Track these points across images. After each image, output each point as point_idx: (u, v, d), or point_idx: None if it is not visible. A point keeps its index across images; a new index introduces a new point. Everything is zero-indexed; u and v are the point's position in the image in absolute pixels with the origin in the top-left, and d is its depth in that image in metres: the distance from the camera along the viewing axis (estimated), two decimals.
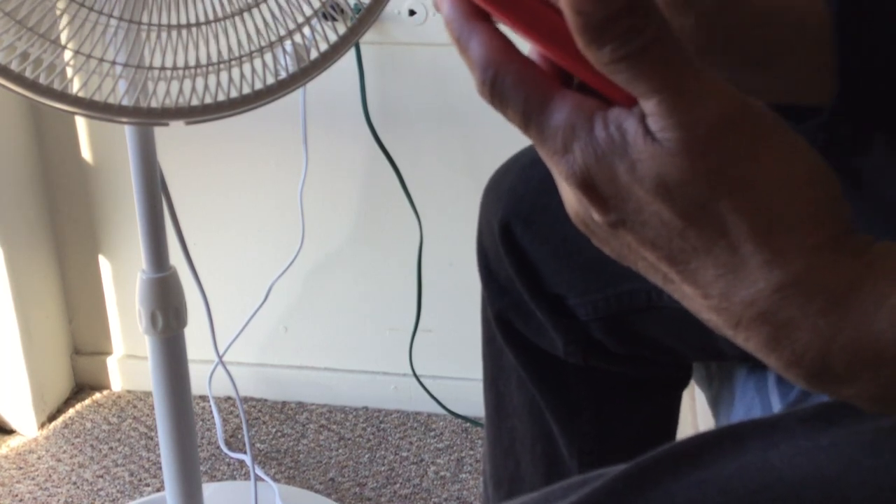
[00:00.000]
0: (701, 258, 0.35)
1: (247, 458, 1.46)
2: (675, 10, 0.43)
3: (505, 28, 0.37)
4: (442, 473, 1.45)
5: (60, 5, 0.78)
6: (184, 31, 0.81)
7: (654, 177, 0.34)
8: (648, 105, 0.33)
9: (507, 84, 0.36)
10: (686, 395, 1.08)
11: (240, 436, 1.54)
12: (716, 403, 0.79)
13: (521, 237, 0.74)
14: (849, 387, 0.34)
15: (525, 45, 0.37)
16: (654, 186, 0.34)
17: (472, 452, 1.49)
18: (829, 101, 0.47)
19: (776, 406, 0.65)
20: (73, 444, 1.52)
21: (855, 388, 0.34)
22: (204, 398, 1.58)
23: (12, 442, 1.52)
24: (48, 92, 0.79)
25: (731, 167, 0.33)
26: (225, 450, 1.50)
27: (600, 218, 0.36)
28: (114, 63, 0.81)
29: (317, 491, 1.41)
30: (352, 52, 1.33)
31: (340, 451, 1.51)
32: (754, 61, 0.46)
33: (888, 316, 0.33)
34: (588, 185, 0.35)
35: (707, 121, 0.33)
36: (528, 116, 0.36)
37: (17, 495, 1.41)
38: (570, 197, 0.37)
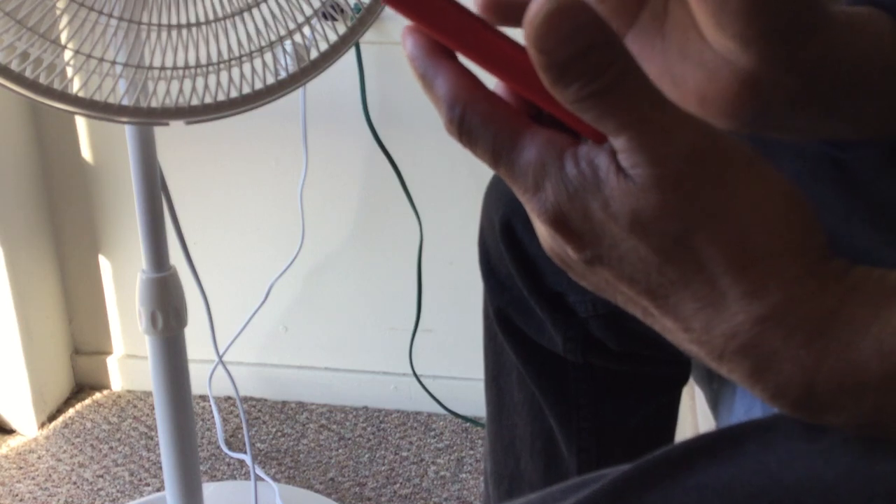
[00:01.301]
0: (679, 292, 0.35)
1: (247, 458, 1.46)
2: (779, 69, 0.42)
3: (470, 63, 0.36)
4: (442, 473, 1.45)
5: (60, 5, 0.78)
6: (184, 31, 0.81)
7: (628, 213, 0.33)
8: (618, 142, 0.33)
9: (474, 122, 0.35)
10: (686, 395, 1.08)
11: (240, 435, 1.54)
12: (716, 403, 0.79)
13: (521, 234, 0.74)
14: (835, 415, 0.35)
15: (491, 80, 0.37)
16: (629, 223, 0.33)
17: (472, 452, 1.49)
18: (887, 137, 0.46)
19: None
20: (73, 443, 1.52)
21: (841, 416, 0.34)
22: (204, 398, 1.58)
23: (12, 442, 1.52)
24: (48, 92, 0.79)
25: (705, 200, 0.33)
26: (225, 449, 1.50)
27: (575, 255, 0.36)
28: (114, 63, 0.81)
29: (317, 491, 1.41)
30: (352, 52, 1.33)
31: (340, 450, 1.51)
32: (847, 115, 0.45)
33: (871, 345, 0.33)
34: (561, 223, 0.35)
35: (678, 155, 0.33)
36: (498, 154, 0.35)
37: (17, 495, 1.41)
38: (545, 233, 0.37)
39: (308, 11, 0.85)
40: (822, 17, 0.42)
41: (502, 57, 0.35)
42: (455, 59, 0.36)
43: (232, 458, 1.49)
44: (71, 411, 1.59)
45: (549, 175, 0.34)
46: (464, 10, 0.35)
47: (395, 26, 1.34)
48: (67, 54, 0.80)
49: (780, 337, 0.34)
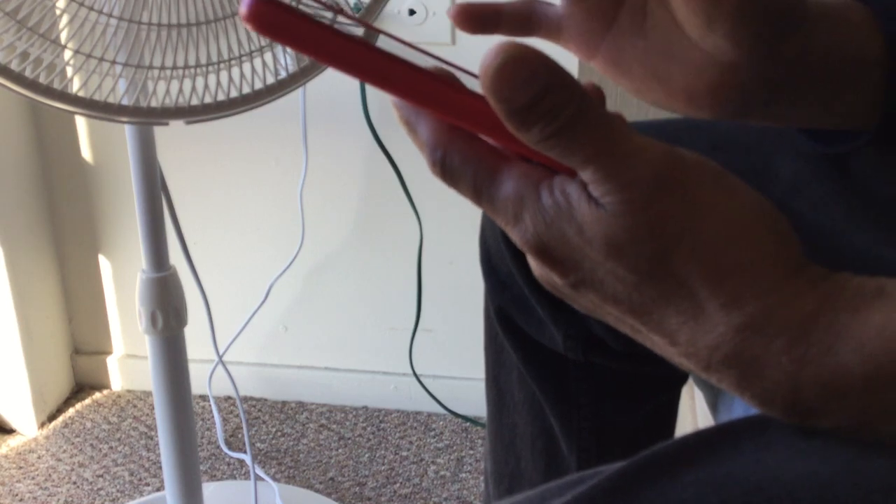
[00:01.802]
0: (662, 309, 0.36)
1: (247, 458, 1.46)
2: (764, 63, 0.44)
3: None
4: (442, 473, 1.45)
5: (60, 5, 0.78)
6: (184, 31, 0.81)
7: (601, 237, 0.35)
8: (586, 174, 0.34)
9: (455, 162, 0.37)
10: (686, 395, 1.08)
11: (240, 435, 1.54)
12: (715, 403, 0.79)
13: None
14: (824, 419, 0.35)
15: None
16: (604, 247, 0.35)
17: (472, 452, 1.49)
18: (867, 128, 0.48)
19: None
20: (72, 443, 1.52)
21: (830, 419, 0.35)
22: (204, 398, 1.58)
23: (12, 441, 1.52)
24: (48, 91, 0.79)
25: (673, 219, 0.34)
26: (225, 449, 1.50)
27: (560, 280, 0.38)
28: (114, 62, 0.81)
29: (317, 490, 1.41)
30: None
31: (340, 450, 1.51)
32: (817, 97, 0.47)
33: (852, 348, 0.34)
34: (542, 251, 0.37)
35: (643, 179, 0.34)
36: (479, 190, 0.37)
37: (17, 495, 1.41)
38: (532, 262, 0.39)
39: (308, 11, 0.85)
40: (803, 12, 0.44)
41: (468, 110, 0.37)
42: None
43: (232, 457, 1.49)
44: (71, 411, 1.60)
45: (526, 206, 0.36)
46: (424, 72, 0.36)
47: (395, 26, 1.34)
48: (67, 54, 0.80)
49: (760, 345, 0.35)
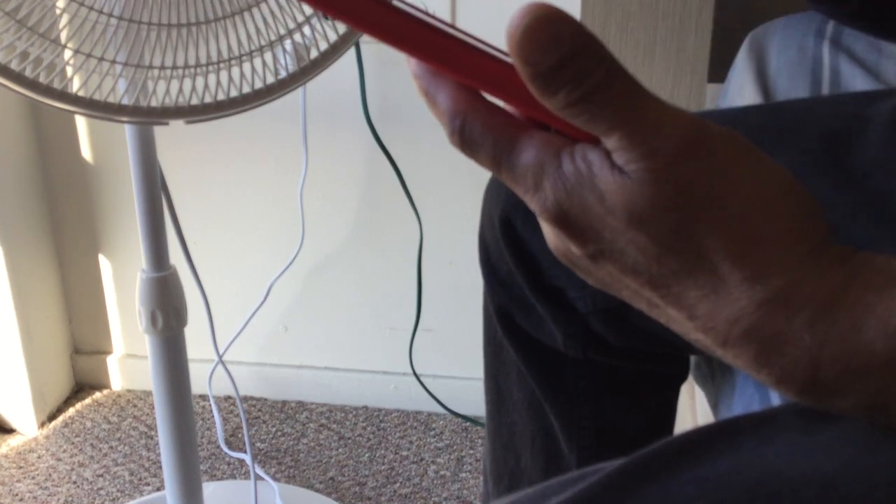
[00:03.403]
0: (682, 281, 0.35)
1: (247, 458, 1.46)
2: None
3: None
4: (442, 472, 1.45)
5: (60, 4, 0.78)
6: (184, 31, 0.81)
7: (624, 207, 0.34)
8: (610, 142, 0.34)
9: (474, 131, 0.37)
10: (686, 394, 1.08)
11: (240, 435, 1.54)
12: (716, 403, 0.79)
13: (521, 230, 0.74)
14: (841, 398, 0.35)
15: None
16: (627, 216, 0.34)
17: (472, 451, 1.49)
18: None
19: (775, 402, 0.65)
20: (73, 443, 1.52)
21: (847, 399, 0.35)
22: (204, 397, 1.58)
23: (12, 441, 1.52)
24: (48, 91, 0.79)
25: (699, 189, 0.34)
26: (225, 449, 1.50)
27: (579, 250, 0.37)
28: (114, 62, 0.81)
29: (317, 490, 1.41)
30: (352, 52, 1.33)
31: (340, 450, 1.51)
32: None
33: (876, 326, 0.33)
34: (562, 220, 0.36)
35: (668, 147, 0.33)
36: (498, 160, 0.37)
37: (17, 494, 1.41)
38: (549, 232, 0.38)
39: (308, 11, 0.85)
40: None
41: (491, 74, 0.36)
42: None
43: (232, 457, 1.49)
44: (71, 411, 1.60)
45: (547, 174, 0.35)
46: (448, 36, 0.36)
47: None
48: (67, 53, 0.80)
49: (783, 319, 0.34)
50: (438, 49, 0.35)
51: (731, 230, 0.34)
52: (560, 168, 0.35)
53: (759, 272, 0.34)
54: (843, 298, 0.34)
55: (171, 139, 1.41)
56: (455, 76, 0.37)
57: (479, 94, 0.37)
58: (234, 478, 1.45)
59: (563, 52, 0.32)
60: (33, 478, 1.44)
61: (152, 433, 1.53)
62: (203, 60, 0.83)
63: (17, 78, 0.77)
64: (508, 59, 0.35)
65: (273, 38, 0.85)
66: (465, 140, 0.37)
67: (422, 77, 0.37)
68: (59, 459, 1.48)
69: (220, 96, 0.84)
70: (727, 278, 0.34)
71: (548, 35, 0.32)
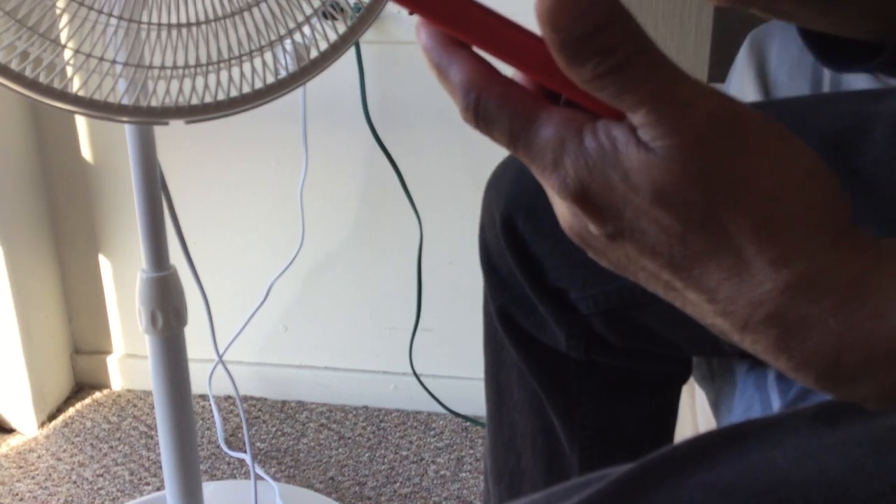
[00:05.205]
0: (704, 263, 0.34)
1: (247, 457, 1.46)
2: None
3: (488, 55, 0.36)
4: (442, 472, 1.45)
5: (60, 4, 0.78)
6: (184, 30, 0.81)
7: (649, 184, 0.33)
8: (637, 117, 0.33)
9: (490, 106, 0.35)
10: (686, 395, 1.08)
11: (240, 435, 1.54)
12: (716, 403, 0.79)
13: (522, 231, 0.74)
14: (858, 386, 0.34)
15: (507, 68, 0.37)
16: (651, 194, 0.33)
17: (472, 451, 1.49)
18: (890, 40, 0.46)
19: (775, 403, 0.65)
20: (73, 443, 1.52)
21: (865, 387, 0.34)
22: (204, 397, 1.58)
23: (12, 441, 1.52)
24: (48, 91, 0.78)
25: (727, 169, 0.33)
26: (225, 449, 1.50)
27: (597, 230, 0.36)
28: (114, 62, 0.81)
29: (317, 490, 1.41)
30: (352, 52, 1.33)
31: (340, 450, 1.51)
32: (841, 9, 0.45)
33: None
34: (582, 198, 0.35)
35: (697, 125, 0.32)
36: (516, 136, 0.35)
37: (17, 494, 1.40)
38: (565, 211, 0.37)
39: (308, 11, 0.85)
40: None
41: (514, 44, 0.35)
42: (469, 48, 0.36)
43: (232, 457, 1.48)
44: (71, 411, 1.59)
45: (567, 151, 0.34)
46: (472, 3, 0.35)
47: (395, 26, 1.34)
48: (67, 53, 0.80)
49: (807, 304, 0.33)
50: (456, 11, 0.34)
51: (759, 212, 0.33)
52: (582, 144, 0.34)
53: (784, 255, 0.33)
54: (867, 285, 0.33)
55: (171, 139, 1.40)
56: (472, 41, 0.35)
57: (494, 68, 0.36)
58: (234, 478, 1.45)
59: (594, 22, 0.31)
60: (33, 478, 1.44)
61: (152, 433, 1.53)
62: (203, 60, 0.83)
63: (17, 78, 0.77)
64: (527, 30, 0.34)
65: (273, 38, 0.84)
66: (480, 115, 0.35)
67: (433, 50, 0.36)
68: (59, 459, 1.48)
69: (220, 96, 0.84)
70: (752, 261, 0.33)
71: (579, 3, 0.31)
